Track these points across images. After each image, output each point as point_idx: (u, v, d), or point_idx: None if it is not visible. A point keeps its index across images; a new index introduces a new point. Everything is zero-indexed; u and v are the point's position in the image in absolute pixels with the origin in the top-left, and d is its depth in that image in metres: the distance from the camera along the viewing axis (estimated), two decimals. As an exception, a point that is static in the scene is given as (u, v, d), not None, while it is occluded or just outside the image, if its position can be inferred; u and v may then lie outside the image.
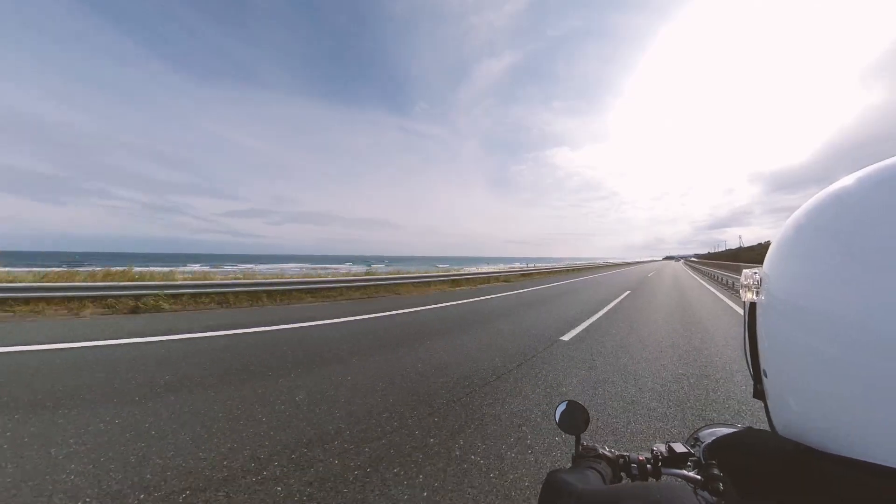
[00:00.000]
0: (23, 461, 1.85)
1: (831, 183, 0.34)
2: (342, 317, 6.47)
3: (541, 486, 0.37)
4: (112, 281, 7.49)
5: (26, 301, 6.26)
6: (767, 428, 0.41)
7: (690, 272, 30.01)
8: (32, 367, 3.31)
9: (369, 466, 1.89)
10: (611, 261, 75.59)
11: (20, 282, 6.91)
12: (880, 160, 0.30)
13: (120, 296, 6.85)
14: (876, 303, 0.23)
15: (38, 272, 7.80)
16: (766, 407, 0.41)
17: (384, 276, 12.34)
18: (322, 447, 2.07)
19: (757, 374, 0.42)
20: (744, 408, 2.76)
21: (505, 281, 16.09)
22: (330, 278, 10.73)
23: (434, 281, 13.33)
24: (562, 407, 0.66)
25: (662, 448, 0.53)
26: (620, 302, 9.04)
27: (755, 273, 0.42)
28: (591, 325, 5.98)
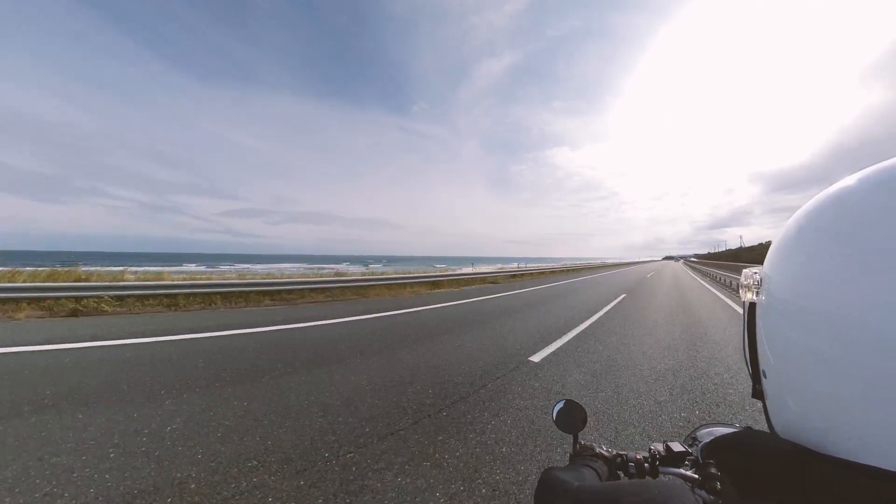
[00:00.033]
0: None
1: (831, 183, 0.34)
2: (287, 323, 5.84)
3: (536, 483, 0.38)
4: (56, 281, 7.10)
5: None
6: (766, 428, 0.41)
7: (690, 272, 29.18)
8: None
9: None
10: (609, 261, 74.35)
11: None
12: (880, 160, 0.30)
13: (59, 297, 6.46)
14: (876, 304, 0.23)
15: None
16: (764, 407, 0.41)
17: (353, 278, 11.33)
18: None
19: (756, 375, 0.43)
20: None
21: (492, 283, 15.01)
22: (293, 279, 10.06)
23: (411, 283, 12.26)
24: (559, 406, 0.66)
25: (660, 447, 0.53)
26: (614, 307, 8.00)
27: (755, 273, 0.42)
28: (573, 338, 4.92)
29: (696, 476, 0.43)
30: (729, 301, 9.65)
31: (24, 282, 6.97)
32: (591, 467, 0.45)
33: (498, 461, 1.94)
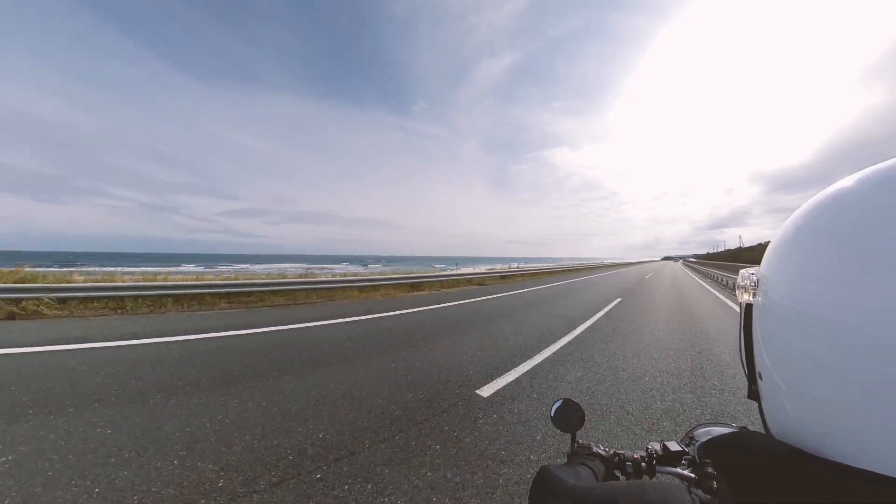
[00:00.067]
0: None
1: (831, 183, 0.34)
2: (236, 329, 5.30)
3: (532, 480, 0.37)
4: (-3, 283, 6.73)
5: None
6: (761, 429, 0.40)
7: (691, 273, 28.17)
8: None
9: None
10: (607, 261, 73.28)
11: None
12: (880, 160, 0.30)
13: (-7, 299, 6.03)
14: (874, 306, 0.22)
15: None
16: (760, 408, 0.40)
17: (321, 280, 10.35)
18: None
19: (752, 375, 0.42)
20: None
21: (479, 284, 13.97)
22: (253, 281, 9.36)
23: (387, 285, 11.24)
24: (557, 405, 0.65)
25: (657, 446, 0.54)
26: (606, 315, 6.94)
27: (752, 274, 0.42)
28: (547, 359, 3.88)
29: (693, 475, 0.44)
30: (738, 309, 8.67)
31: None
32: (588, 466, 0.45)
33: None
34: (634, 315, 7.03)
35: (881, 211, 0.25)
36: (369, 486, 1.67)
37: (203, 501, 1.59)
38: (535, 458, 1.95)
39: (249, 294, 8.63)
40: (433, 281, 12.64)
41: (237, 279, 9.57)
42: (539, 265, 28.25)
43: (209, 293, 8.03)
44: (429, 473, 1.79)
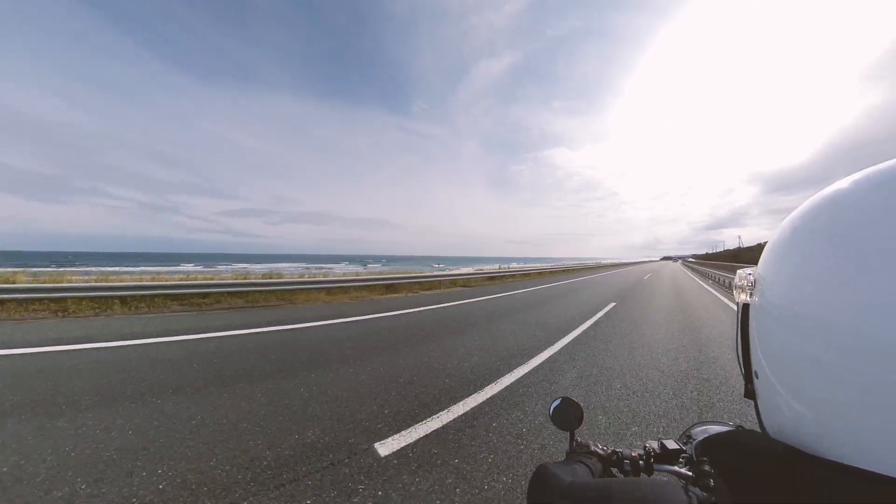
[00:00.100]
0: None
1: (830, 184, 0.34)
2: (171, 334, 4.84)
3: (529, 477, 0.37)
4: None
5: None
6: (759, 428, 0.40)
7: (691, 274, 27.25)
8: None
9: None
10: (606, 261, 72.14)
11: None
12: (880, 160, 0.30)
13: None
14: (870, 307, 0.23)
15: None
16: (756, 407, 0.41)
17: (285, 281, 9.50)
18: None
19: (748, 375, 0.42)
20: None
21: (463, 286, 13.04)
22: (208, 281, 8.71)
23: (358, 286, 10.35)
24: (556, 403, 0.66)
25: (655, 445, 0.54)
26: (594, 326, 5.99)
27: (749, 274, 0.42)
28: (495, 397, 2.90)
29: (690, 473, 0.44)
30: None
31: None
32: (585, 463, 0.45)
33: None
34: (626, 330, 6.12)
35: (879, 212, 0.25)
36: None
37: None
38: None
39: (204, 296, 8.09)
40: (414, 282, 11.74)
41: (192, 280, 8.89)
42: (536, 265, 27.50)
43: (159, 295, 7.58)
44: None
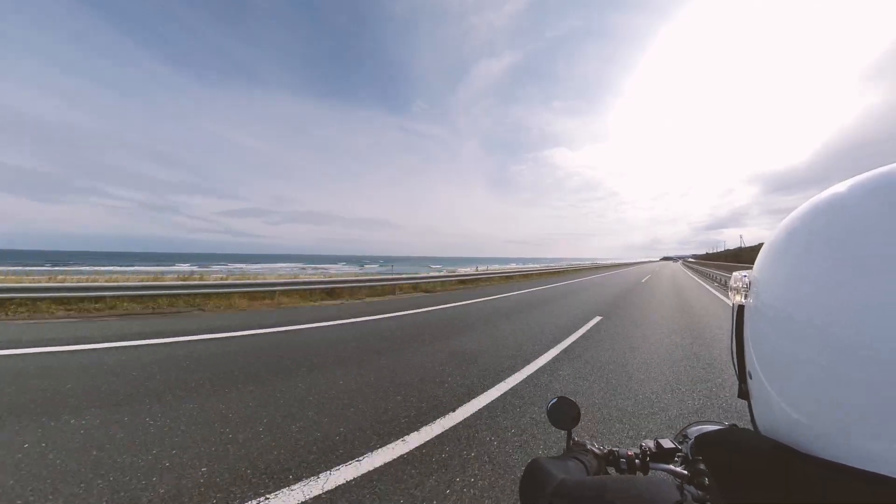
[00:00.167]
0: None
1: (830, 184, 0.34)
2: (37, 345, 4.00)
3: (522, 472, 0.36)
4: None
5: None
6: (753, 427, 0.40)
7: (692, 275, 25.45)
8: None
9: None
10: (602, 262, 69.82)
11: None
12: (880, 160, 0.31)
13: None
14: (865, 310, 0.23)
15: None
16: (749, 407, 0.41)
17: (197, 284, 7.88)
18: None
19: (742, 375, 0.42)
20: None
21: (425, 291, 11.18)
22: (104, 284, 7.52)
23: (289, 290, 8.55)
24: (552, 402, 0.65)
25: (651, 444, 0.54)
26: (552, 363, 4.22)
27: (744, 276, 0.42)
28: (397, 460, 1.48)
29: (686, 472, 0.44)
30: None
31: None
32: (579, 460, 0.45)
33: None
34: (608, 360, 4.31)
35: (876, 216, 0.25)
36: None
37: None
38: None
39: (98, 300, 7.18)
40: (364, 286, 9.91)
41: (87, 281, 7.66)
42: (529, 266, 26.22)
43: (46, 298, 6.79)
44: None
